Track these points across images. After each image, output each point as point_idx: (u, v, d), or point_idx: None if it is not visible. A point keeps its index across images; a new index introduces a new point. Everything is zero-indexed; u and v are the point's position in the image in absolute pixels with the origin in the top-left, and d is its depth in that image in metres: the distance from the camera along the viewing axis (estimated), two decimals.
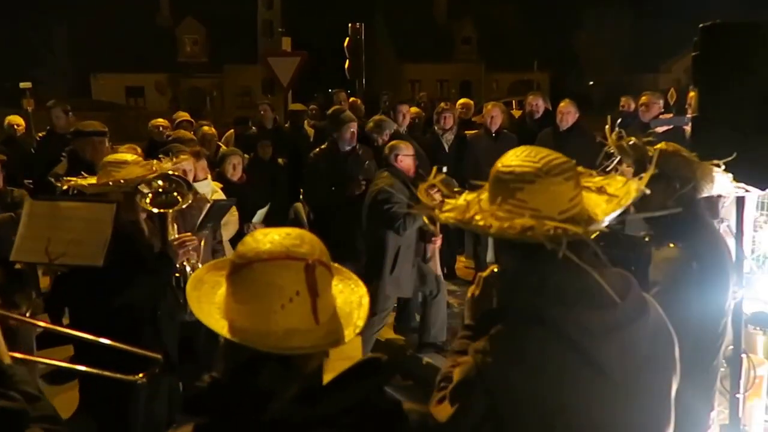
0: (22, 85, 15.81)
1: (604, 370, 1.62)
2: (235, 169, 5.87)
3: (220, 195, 5.43)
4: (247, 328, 1.44)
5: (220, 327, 1.48)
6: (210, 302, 1.54)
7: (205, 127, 7.92)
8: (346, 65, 12.49)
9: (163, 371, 3.52)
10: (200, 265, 4.33)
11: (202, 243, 4.44)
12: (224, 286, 1.55)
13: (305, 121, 9.39)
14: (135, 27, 39.80)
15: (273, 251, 1.44)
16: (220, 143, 8.44)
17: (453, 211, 1.69)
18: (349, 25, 12.07)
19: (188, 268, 3.92)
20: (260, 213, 5.99)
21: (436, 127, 7.99)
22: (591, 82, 44.38)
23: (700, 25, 2.96)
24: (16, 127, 8.87)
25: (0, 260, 1.70)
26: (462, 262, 8.46)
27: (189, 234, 3.93)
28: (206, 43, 43.16)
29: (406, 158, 5.70)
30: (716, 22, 2.92)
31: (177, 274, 3.87)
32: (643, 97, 7.31)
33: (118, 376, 2.57)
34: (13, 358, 1.89)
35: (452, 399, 1.69)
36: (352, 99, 9.84)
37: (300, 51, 12.20)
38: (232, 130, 9.63)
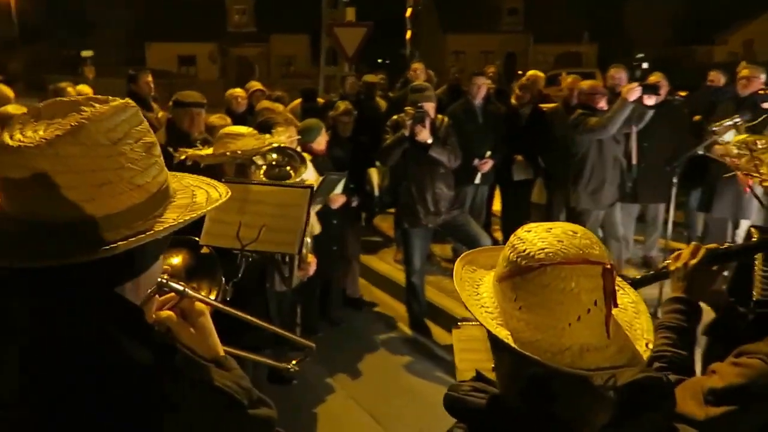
0: (83, 53, 15.99)
1: None
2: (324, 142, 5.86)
3: (309, 166, 5.43)
4: (537, 341, 1.27)
5: (504, 336, 1.30)
6: (478, 305, 1.37)
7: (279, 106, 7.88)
8: (408, 35, 12.40)
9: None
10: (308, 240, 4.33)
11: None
12: (484, 286, 1.41)
13: (376, 93, 9.31)
14: None
15: (568, 254, 1.26)
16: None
17: None
18: None
19: None
20: (341, 184, 5.95)
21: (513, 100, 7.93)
22: (640, 55, 43.20)
23: None
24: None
25: (187, 243, 1.61)
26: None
27: None
28: (253, 12, 43.23)
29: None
30: None
31: None
32: (744, 71, 6.83)
33: (271, 362, 2.52)
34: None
35: (727, 398, 1.54)
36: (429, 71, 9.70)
37: (366, 22, 12.06)
38: (298, 100, 9.56)
